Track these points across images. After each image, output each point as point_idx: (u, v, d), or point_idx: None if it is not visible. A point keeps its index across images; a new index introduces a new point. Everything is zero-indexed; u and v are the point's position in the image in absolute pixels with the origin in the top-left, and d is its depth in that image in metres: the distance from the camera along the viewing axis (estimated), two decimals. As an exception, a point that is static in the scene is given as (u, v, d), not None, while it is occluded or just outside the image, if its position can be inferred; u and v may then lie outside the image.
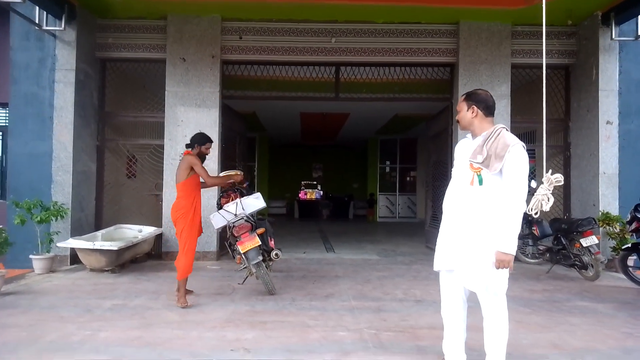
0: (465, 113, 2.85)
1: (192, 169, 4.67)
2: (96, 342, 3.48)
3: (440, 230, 2.99)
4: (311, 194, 18.41)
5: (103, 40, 7.38)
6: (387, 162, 16.40)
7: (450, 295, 2.94)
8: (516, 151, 2.65)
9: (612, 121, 6.99)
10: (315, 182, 19.63)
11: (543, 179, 2.95)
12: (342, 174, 20.20)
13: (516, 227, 2.63)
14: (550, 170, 2.95)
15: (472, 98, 2.86)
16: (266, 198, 15.99)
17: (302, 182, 19.23)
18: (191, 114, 7.26)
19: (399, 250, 8.60)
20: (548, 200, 2.89)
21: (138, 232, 7.04)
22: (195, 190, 4.77)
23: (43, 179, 6.64)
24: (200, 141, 4.82)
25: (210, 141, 4.91)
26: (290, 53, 7.52)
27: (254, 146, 15.80)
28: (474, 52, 7.38)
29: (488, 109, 2.84)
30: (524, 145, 2.72)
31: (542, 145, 8.19)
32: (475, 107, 2.83)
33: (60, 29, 6.59)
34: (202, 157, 4.84)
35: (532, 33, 7.52)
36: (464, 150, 2.91)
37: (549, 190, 2.87)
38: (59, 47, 6.70)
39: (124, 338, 3.58)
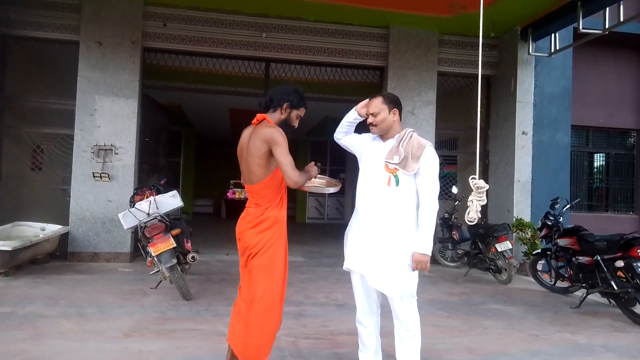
0: (388, 116, 2.74)
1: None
2: (-33, 359, 3.01)
3: (352, 230, 2.86)
4: (240, 194, 17.91)
5: (4, 14, 6.58)
6: (318, 164, 16.35)
7: (364, 298, 2.85)
8: (431, 152, 2.68)
9: (527, 132, 7.39)
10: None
11: (472, 186, 2.93)
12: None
13: (433, 227, 2.64)
14: (472, 177, 2.95)
15: (393, 101, 2.78)
16: (192, 196, 15.49)
17: (231, 181, 18.70)
18: (107, 102, 6.68)
19: (325, 252, 8.54)
20: (473, 206, 2.88)
21: (40, 230, 6.36)
22: (284, 190, 2.74)
23: None
24: (293, 101, 2.74)
25: (306, 107, 2.85)
26: (218, 45, 7.18)
27: (180, 141, 15.10)
28: (403, 57, 7.48)
29: (401, 112, 2.83)
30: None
31: (465, 152, 8.52)
32: (397, 111, 2.77)
33: (-50, -3, 5.80)
34: (288, 129, 2.75)
35: (457, 43, 7.77)
36: (372, 151, 2.82)
37: (479, 197, 2.86)
38: (-52, 19, 5.89)
39: (4, 352, 3.13)
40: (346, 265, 2.84)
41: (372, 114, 2.76)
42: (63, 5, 6.70)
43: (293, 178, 2.49)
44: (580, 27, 6.25)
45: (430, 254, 2.62)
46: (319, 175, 2.91)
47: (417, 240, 2.61)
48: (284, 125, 2.73)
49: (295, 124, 2.82)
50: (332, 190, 2.98)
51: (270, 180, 2.63)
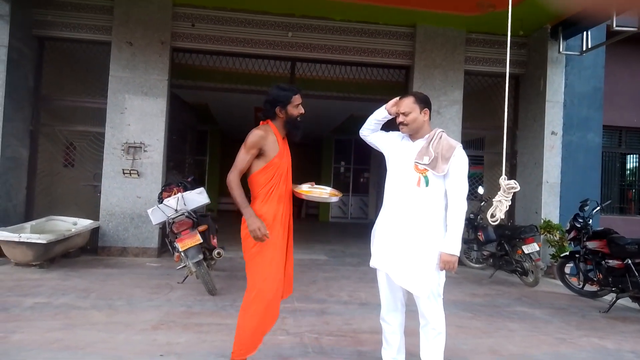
0: (419, 115, 2.74)
1: (260, 151, 2.76)
2: (7, 345, 3.15)
3: (379, 228, 2.86)
4: (264, 191, 18.06)
5: (42, 17, 6.84)
6: (342, 162, 16.40)
7: (389, 295, 2.86)
8: (461, 153, 2.68)
9: (556, 132, 7.23)
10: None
11: (500, 185, 2.92)
12: (297, 171, 19.99)
13: (461, 228, 2.64)
14: (504, 177, 2.93)
15: (424, 101, 2.79)
16: (217, 194, 15.72)
17: (255, 179, 18.92)
18: (136, 101, 6.87)
19: (348, 251, 8.56)
20: (503, 207, 2.87)
21: (72, 224, 6.58)
22: (275, 185, 2.81)
23: (-35, 163, 6.07)
24: (282, 100, 2.80)
25: (297, 92, 2.86)
26: (245, 45, 7.28)
27: (206, 140, 15.34)
28: (429, 56, 7.43)
29: (430, 112, 2.84)
30: None
31: (492, 152, 8.41)
32: (428, 111, 2.78)
33: (-8, 1, 6.05)
34: (293, 124, 2.88)
35: (485, 41, 7.67)
36: (401, 150, 2.82)
37: (507, 197, 2.85)
38: (-11, 21, 6.15)
39: (42, 341, 3.27)
40: (372, 263, 2.85)
41: (403, 114, 2.75)
42: (96, 7, 6.91)
43: (229, 175, 2.74)
44: (614, 25, 6.08)
45: (458, 255, 2.62)
46: (318, 186, 3.09)
47: (445, 241, 2.62)
48: (291, 123, 2.87)
49: (299, 112, 2.87)
50: (334, 199, 3.02)
51: (255, 175, 2.80)
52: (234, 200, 2.74)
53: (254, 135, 2.74)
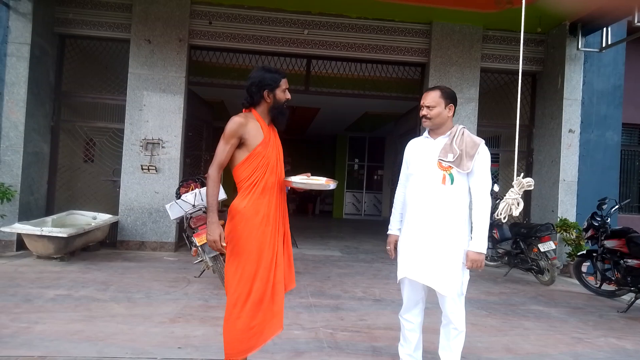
0: (444, 110, 2.70)
1: (241, 140, 2.52)
2: (30, 336, 3.25)
3: (404, 235, 2.81)
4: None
5: (63, 15, 6.98)
6: (356, 160, 16.40)
7: (413, 300, 2.85)
8: (484, 150, 2.66)
9: (574, 130, 7.15)
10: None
11: (514, 183, 2.92)
12: (311, 168, 20.00)
13: (487, 226, 2.63)
14: (522, 174, 2.94)
15: (450, 96, 2.75)
16: (232, 190, 15.86)
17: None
18: (154, 98, 6.97)
19: (362, 248, 8.57)
20: (518, 205, 2.87)
21: (92, 218, 6.73)
22: (258, 180, 2.55)
23: (-11, 158, 6.24)
24: (270, 83, 2.56)
25: (284, 75, 2.64)
26: (261, 42, 7.34)
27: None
28: (445, 54, 7.39)
29: (455, 108, 2.81)
30: None
31: (507, 150, 8.34)
32: (453, 107, 2.75)
33: (15, -1, 6.19)
34: (279, 110, 2.63)
35: (502, 38, 7.60)
36: (422, 150, 2.80)
37: (519, 194, 2.85)
38: (12, 19, 6.28)
39: (63, 331, 3.36)
40: (402, 275, 2.76)
41: (427, 107, 2.72)
42: (116, 5, 7.02)
43: (209, 169, 2.52)
44: (636, 21, 5.98)
45: (485, 253, 2.61)
46: (313, 177, 2.75)
47: (473, 239, 2.61)
48: (278, 109, 2.62)
49: (286, 96, 2.64)
50: (332, 186, 2.74)
51: (238, 167, 2.56)
52: (209, 190, 2.52)
53: (233, 123, 2.49)
